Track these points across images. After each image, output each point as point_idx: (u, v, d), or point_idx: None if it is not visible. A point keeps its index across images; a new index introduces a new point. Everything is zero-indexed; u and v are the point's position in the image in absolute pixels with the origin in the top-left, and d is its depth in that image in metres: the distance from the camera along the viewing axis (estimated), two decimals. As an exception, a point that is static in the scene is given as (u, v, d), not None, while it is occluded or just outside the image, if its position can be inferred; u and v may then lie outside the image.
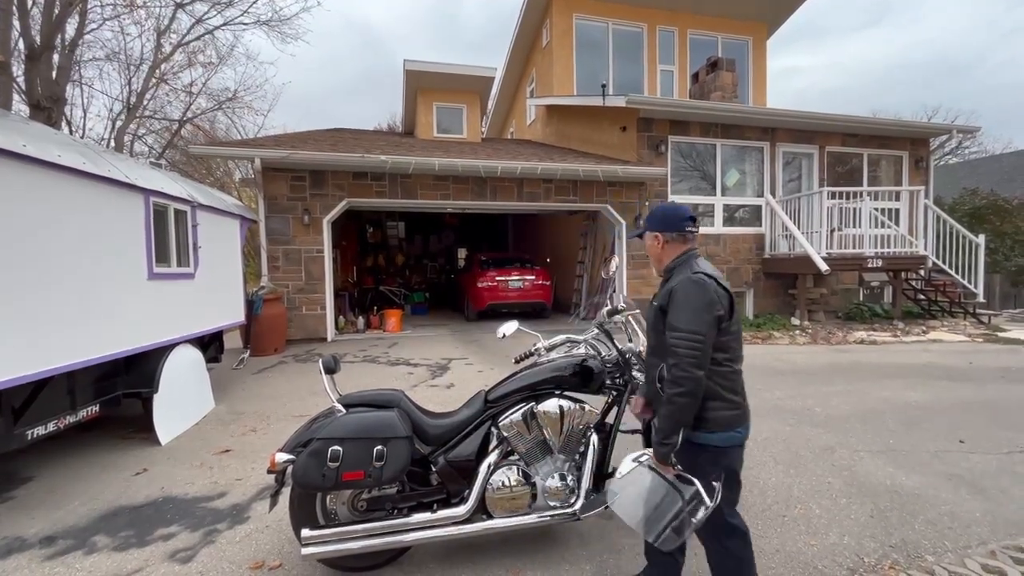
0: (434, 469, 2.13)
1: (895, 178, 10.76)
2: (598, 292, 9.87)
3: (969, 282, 9.27)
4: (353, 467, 1.88)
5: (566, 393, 2.27)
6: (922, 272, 9.51)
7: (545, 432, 2.19)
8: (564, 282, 11.45)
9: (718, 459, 1.64)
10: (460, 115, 10.93)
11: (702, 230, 8.90)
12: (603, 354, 2.41)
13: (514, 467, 2.18)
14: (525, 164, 8.32)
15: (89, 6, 10.93)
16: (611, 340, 2.43)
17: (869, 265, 8.32)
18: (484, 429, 2.23)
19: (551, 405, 2.19)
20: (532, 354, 2.46)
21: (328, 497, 2.08)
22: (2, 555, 2.33)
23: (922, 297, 9.48)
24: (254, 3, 13.26)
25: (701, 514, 1.53)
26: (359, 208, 9.02)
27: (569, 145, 11.22)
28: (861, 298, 10.13)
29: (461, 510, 2.06)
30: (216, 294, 5.01)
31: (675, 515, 1.56)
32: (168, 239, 4.11)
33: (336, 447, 1.88)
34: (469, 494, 2.09)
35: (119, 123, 13.42)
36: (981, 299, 9.21)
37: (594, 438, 2.25)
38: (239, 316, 5.68)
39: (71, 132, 13.03)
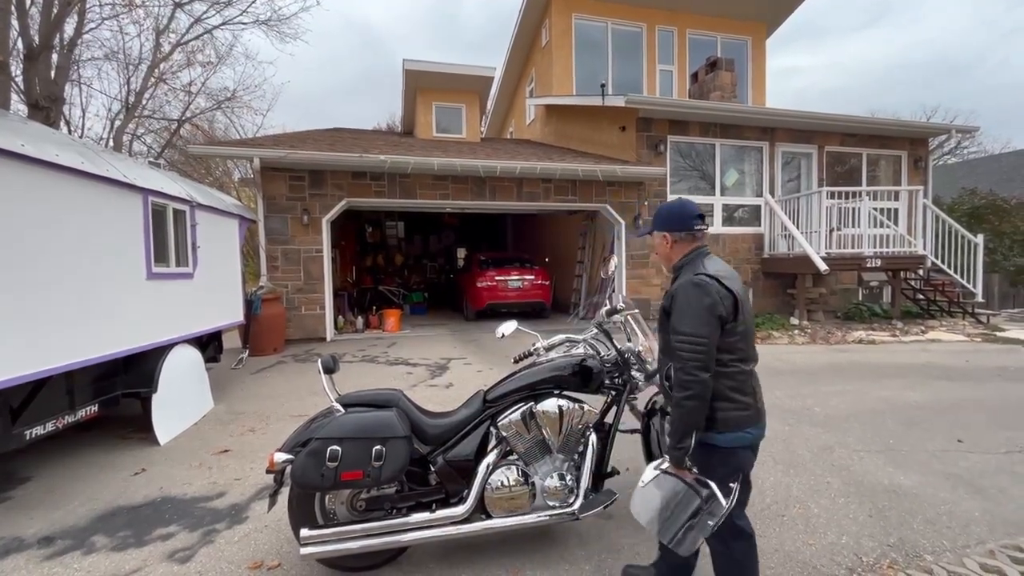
0: (433, 469, 2.13)
1: (894, 178, 10.77)
2: (597, 292, 9.88)
3: (968, 282, 9.28)
4: (352, 467, 1.88)
5: (565, 393, 2.28)
6: (921, 272, 9.53)
7: (544, 432, 2.19)
8: (563, 282, 11.45)
9: (727, 460, 1.63)
10: (459, 115, 10.93)
11: (701, 230, 8.87)
12: (602, 354, 2.41)
13: (513, 467, 2.18)
14: (524, 164, 8.32)
15: (88, 5, 10.92)
16: (610, 340, 2.43)
17: (868, 265, 8.32)
18: (483, 429, 2.23)
19: (550, 405, 2.19)
20: (531, 354, 2.46)
21: (327, 497, 2.08)
22: (0, 555, 2.33)
23: (921, 297, 9.50)
24: (253, 3, 13.28)
25: (718, 516, 1.52)
26: (358, 208, 9.02)
27: (568, 145, 11.23)
28: (860, 298, 10.14)
29: (460, 510, 2.06)
30: (215, 294, 5.00)
31: (691, 516, 1.55)
32: (167, 239, 4.11)
33: (335, 447, 1.88)
34: (468, 494, 2.09)
35: (118, 123, 13.42)
36: (980, 299, 9.23)
37: (593, 438, 2.25)
38: (238, 316, 5.68)
39: (70, 132, 13.02)
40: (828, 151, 10.17)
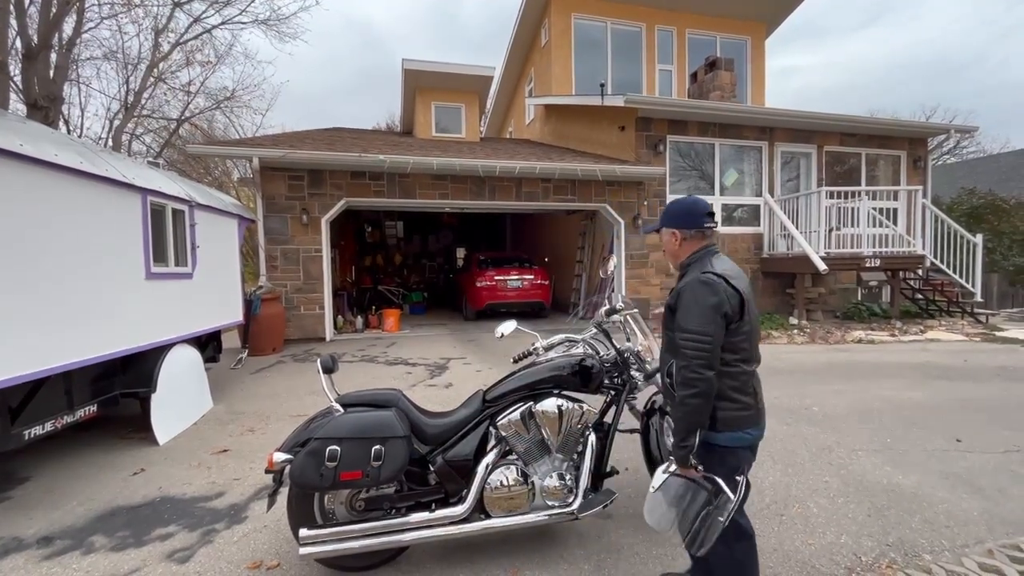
0: (432, 469, 2.13)
1: (893, 178, 10.78)
2: (596, 292, 9.88)
3: (967, 281, 9.29)
4: (351, 467, 1.88)
5: (564, 393, 2.27)
6: (920, 271, 9.54)
7: (543, 432, 2.19)
8: (562, 281, 11.46)
9: (725, 459, 1.63)
10: (459, 115, 10.93)
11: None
12: (601, 354, 2.41)
13: (512, 467, 2.18)
14: (523, 164, 8.32)
15: (87, 5, 10.91)
16: (609, 340, 2.43)
17: (867, 265, 8.33)
18: (482, 429, 2.23)
19: (549, 405, 2.19)
20: (530, 354, 2.46)
21: (326, 497, 2.08)
22: (0, 555, 2.33)
23: (920, 296, 9.51)
24: (252, 2, 13.27)
25: (728, 511, 1.52)
26: (357, 208, 9.02)
27: (567, 145, 11.23)
28: (859, 297, 10.15)
29: (459, 509, 2.06)
30: (214, 294, 5.00)
31: (700, 511, 1.55)
32: (166, 239, 4.11)
33: (334, 447, 1.88)
34: (467, 494, 2.09)
35: (117, 122, 13.41)
36: (979, 298, 9.23)
37: (592, 437, 2.25)
38: (237, 316, 5.67)
39: (68, 131, 13.00)
40: (827, 151, 10.18)
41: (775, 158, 9.88)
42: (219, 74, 35.67)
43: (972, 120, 21.37)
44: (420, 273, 16.29)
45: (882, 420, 3.99)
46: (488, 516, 2.13)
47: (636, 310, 2.64)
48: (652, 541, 2.30)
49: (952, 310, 9.12)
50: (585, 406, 2.24)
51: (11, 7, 8.90)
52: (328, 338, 8.05)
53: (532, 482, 2.18)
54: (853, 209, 8.54)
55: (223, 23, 13.48)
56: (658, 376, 2.20)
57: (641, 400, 2.70)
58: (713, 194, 9.58)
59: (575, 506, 2.16)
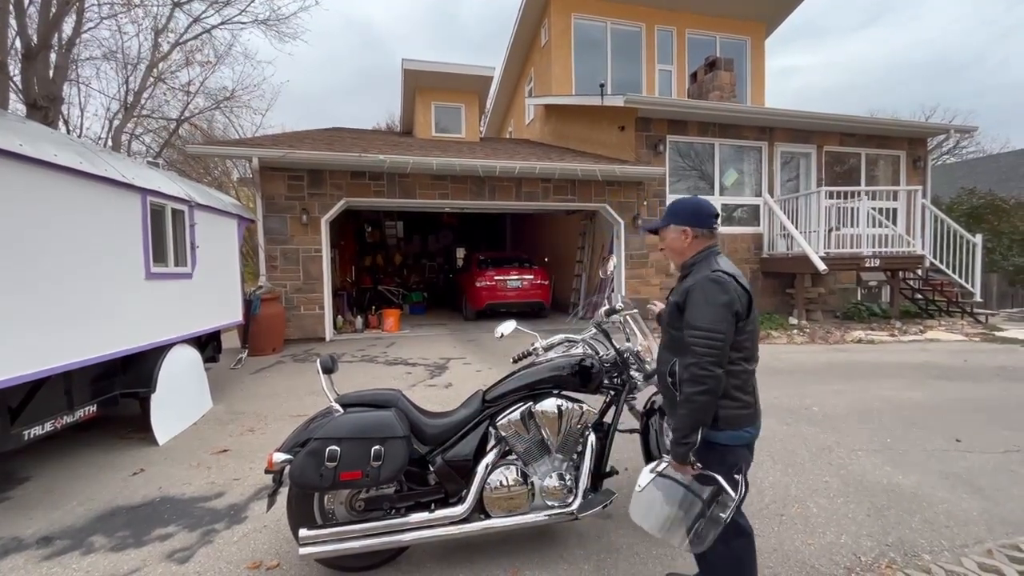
0: (432, 469, 2.13)
1: (893, 178, 10.78)
2: (596, 292, 9.88)
3: (966, 281, 9.29)
4: (351, 467, 1.88)
5: (564, 393, 2.27)
6: (920, 272, 9.54)
7: (543, 432, 2.19)
8: (562, 281, 11.46)
9: (725, 457, 1.64)
10: (458, 114, 10.93)
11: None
12: (601, 354, 2.41)
13: (512, 467, 2.18)
14: (523, 164, 8.32)
15: (86, 5, 10.90)
16: (609, 340, 2.43)
17: (867, 265, 8.33)
18: (482, 429, 2.23)
19: (549, 405, 2.19)
20: (530, 354, 2.46)
21: (326, 497, 2.08)
22: (-1, 556, 2.33)
23: (920, 296, 9.51)
24: (252, 2, 13.27)
25: (729, 509, 1.52)
26: (357, 208, 9.02)
27: (567, 145, 11.23)
28: (859, 297, 10.15)
29: (459, 510, 2.06)
30: (214, 294, 5.00)
31: (698, 517, 1.56)
32: (165, 239, 4.11)
33: (334, 447, 1.88)
34: (467, 494, 2.09)
35: (116, 122, 13.41)
36: (978, 298, 9.24)
37: (592, 438, 2.25)
38: (237, 316, 5.67)
39: (68, 131, 13.00)
40: (827, 151, 10.18)
41: (775, 158, 9.88)
42: (219, 74, 35.66)
43: (972, 120, 21.42)
44: (420, 273, 16.29)
45: (882, 420, 3.99)
46: (488, 516, 2.13)
47: (636, 310, 2.64)
48: (652, 541, 2.30)
49: (952, 310, 9.12)
50: (585, 406, 2.24)
51: (11, 7, 8.90)
52: (328, 338, 8.05)
53: (532, 482, 2.18)
54: (853, 209, 8.55)
55: (223, 23, 13.50)
56: (660, 374, 2.20)
57: (641, 400, 2.70)
58: (713, 194, 9.58)
59: (575, 506, 2.16)
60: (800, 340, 7.55)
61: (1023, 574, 2.08)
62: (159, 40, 13.02)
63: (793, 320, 8.70)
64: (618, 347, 2.42)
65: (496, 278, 9.84)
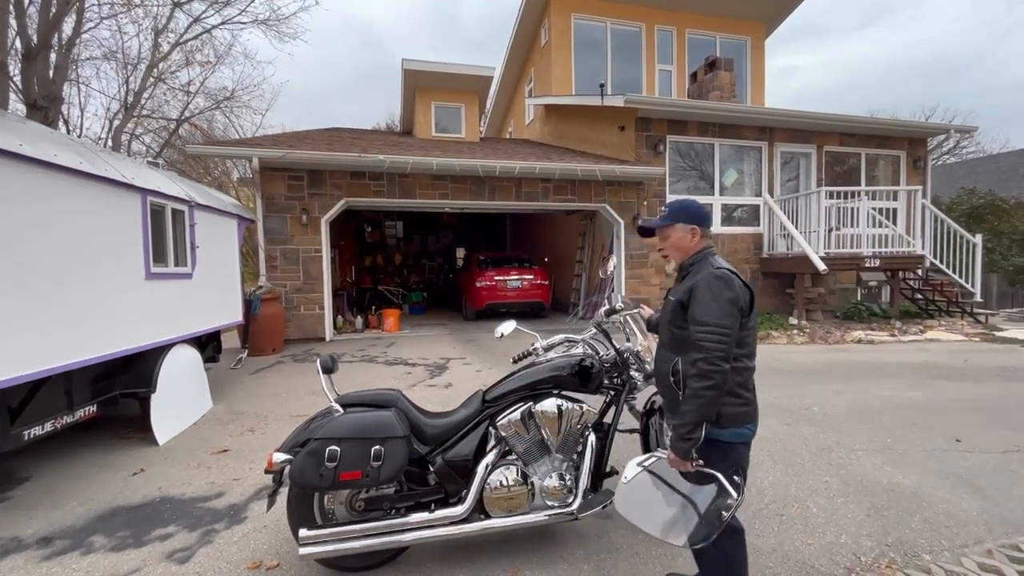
0: (432, 469, 2.13)
1: (893, 178, 10.78)
2: (596, 292, 9.88)
3: (966, 281, 9.29)
4: (351, 467, 1.88)
5: (564, 393, 2.27)
6: (920, 272, 9.54)
7: (543, 432, 2.19)
8: (562, 281, 11.46)
9: (727, 454, 1.65)
10: (458, 114, 10.93)
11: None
12: (601, 354, 2.41)
13: (512, 467, 2.18)
14: (523, 164, 8.32)
15: (86, 5, 10.90)
16: (609, 340, 2.43)
17: (867, 265, 8.33)
18: (482, 429, 2.23)
19: (549, 405, 2.19)
20: (530, 354, 2.46)
21: (326, 497, 2.08)
22: (-1, 556, 2.33)
23: (920, 296, 9.51)
24: (252, 2, 13.26)
25: (730, 508, 1.53)
26: (357, 208, 9.02)
27: (567, 145, 11.23)
28: (859, 297, 10.15)
29: (459, 510, 2.06)
30: (214, 294, 5.00)
31: (702, 517, 1.57)
32: (165, 239, 4.11)
33: (334, 447, 1.88)
34: (467, 494, 2.09)
35: (116, 122, 13.40)
36: (978, 298, 9.24)
37: (592, 438, 2.25)
38: (237, 316, 5.67)
39: (68, 131, 13.00)
40: (827, 151, 10.18)
41: (775, 158, 9.88)
42: (219, 74, 35.66)
43: (972, 120, 21.41)
44: (420, 273, 16.29)
45: (882, 420, 3.99)
46: (488, 516, 2.13)
47: (636, 310, 2.64)
48: (652, 541, 2.30)
49: (952, 310, 9.12)
50: (585, 406, 2.24)
51: (11, 7, 8.90)
52: (328, 338, 8.05)
53: (532, 482, 2.18)
54: (853, 209, 8.55)
55: (223, 23, 13.49)
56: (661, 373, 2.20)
57: (641, 400, 2.70)
58: (713, 194, 9.59)
59: (575, 506, 2.16)
60: (800, 340, 7.55)
61: (1023, 574, 2.08)
62: (159, 40, 13.03)
63: (793, 320, 8.70)
64: (618, 347, 2.42)
65: (496, 278, 9.84)
